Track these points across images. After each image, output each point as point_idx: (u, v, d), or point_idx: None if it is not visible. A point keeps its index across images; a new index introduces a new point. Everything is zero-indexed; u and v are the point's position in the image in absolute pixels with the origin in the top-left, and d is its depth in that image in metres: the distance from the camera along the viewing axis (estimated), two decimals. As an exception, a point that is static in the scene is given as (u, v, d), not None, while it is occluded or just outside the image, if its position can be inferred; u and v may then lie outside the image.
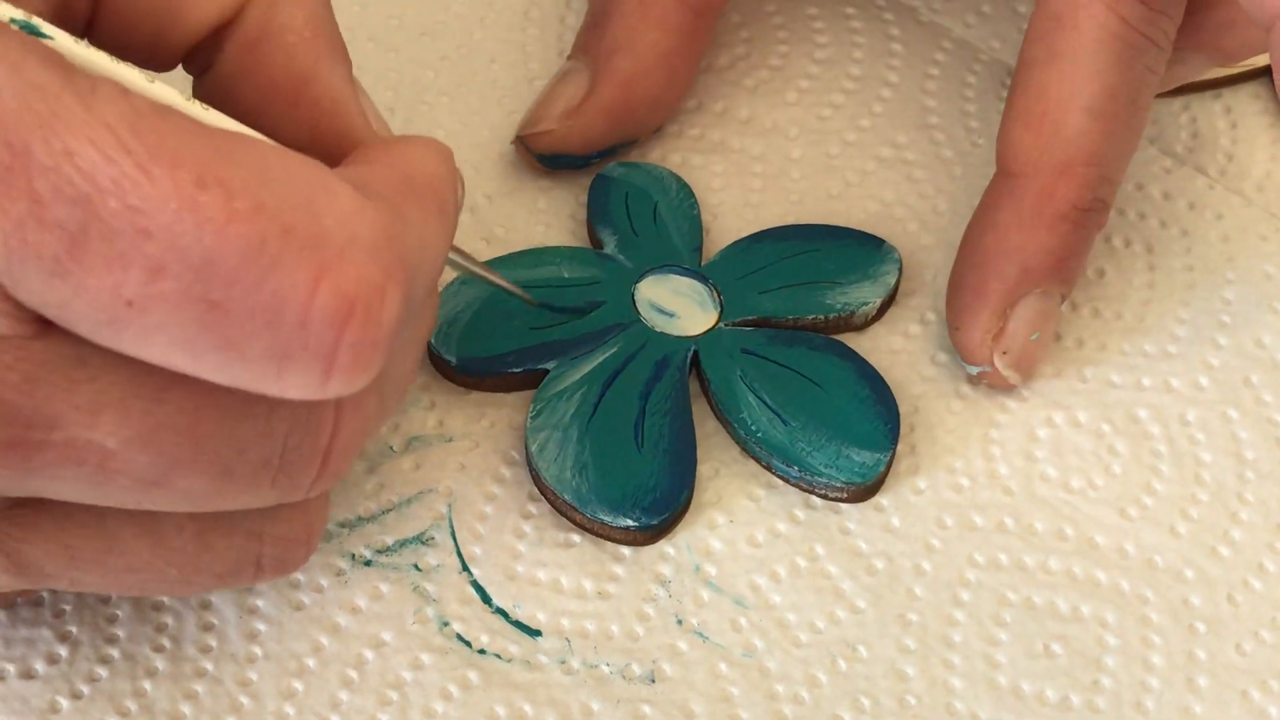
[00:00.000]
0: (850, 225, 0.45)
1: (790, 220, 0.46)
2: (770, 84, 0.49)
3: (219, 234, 0.28)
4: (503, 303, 0.42)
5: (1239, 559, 0.40)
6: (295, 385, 0.30)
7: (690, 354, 0.42)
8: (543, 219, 0.46)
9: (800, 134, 0.48)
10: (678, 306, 0.43)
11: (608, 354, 0.42)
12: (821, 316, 0.43)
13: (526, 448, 0.41)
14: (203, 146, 0.28)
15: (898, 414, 0.41)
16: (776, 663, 0.39)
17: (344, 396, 0.32)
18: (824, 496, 0.41)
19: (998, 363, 0.42)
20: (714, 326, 0.43)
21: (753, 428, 0.41)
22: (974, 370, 0.42)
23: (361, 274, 0.29)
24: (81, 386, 0.30)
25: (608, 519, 0.40)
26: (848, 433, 0.41)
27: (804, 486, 0.41)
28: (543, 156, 0.45)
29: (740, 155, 0.47)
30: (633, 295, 0.43)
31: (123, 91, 0.28)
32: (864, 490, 0.41)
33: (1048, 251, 0.41)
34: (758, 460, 0.41)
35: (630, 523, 0.39)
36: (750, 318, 0.43)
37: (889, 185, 0.47)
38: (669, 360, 0.42)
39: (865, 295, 0.43)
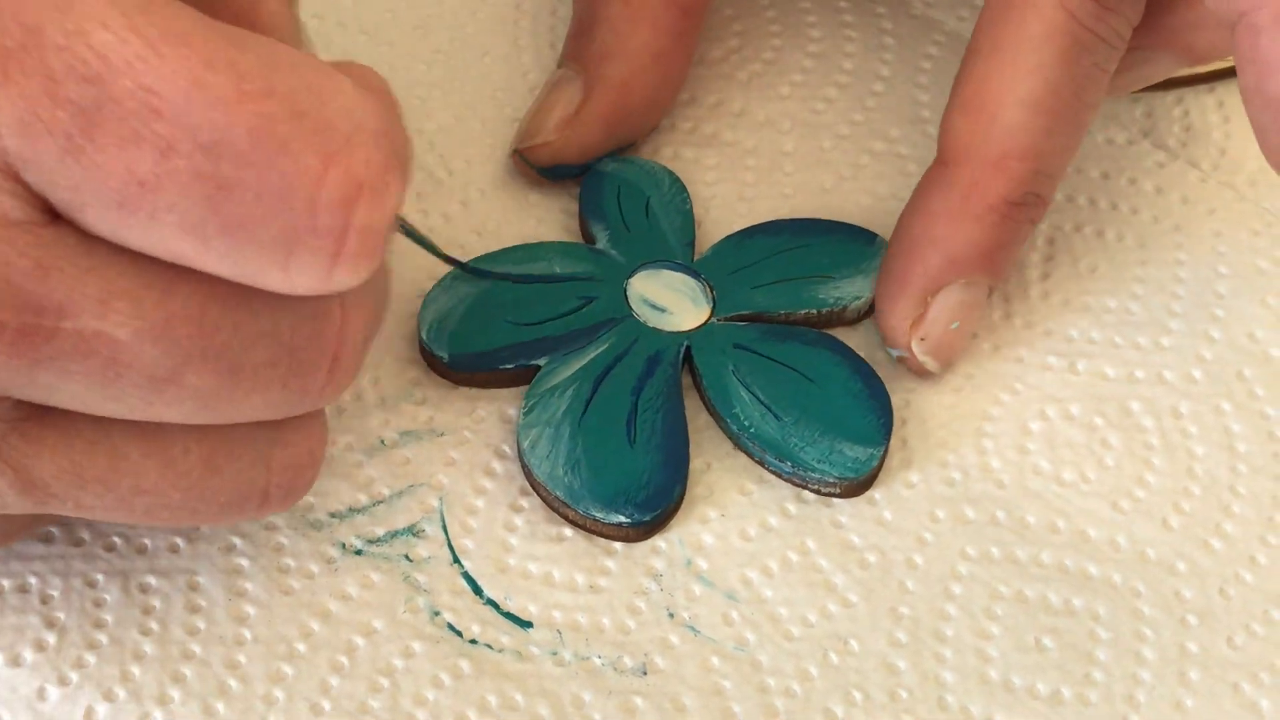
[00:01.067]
0: (843, 219, 0.45)
1: (783, 214, 0.46)
2: (763, 77, 0.49)
3: (229, 114, 0.28)
4: (495, 298, 0.42)
5: (1231, 552, 0.40)
6: (302, 273, 0.30)
7: (683, 349, 0.42)
8: (535, 214, 0.46)
9: (793, 128, 0.47)
10: (670, 302, 0.43)
11: (599, 350, 0.42)
12: (814, 311, 0.43)
13: (519, 444, 0.40)
14: (212, 32, 0.29)
15: (890, 408, 0.41)
16: (768, 656, 0.39)
17: (347, 293, 0.32)
18: (817, 492, 0.41)
19: (915, 349, 0.42)
20: (706, 321, 0.42)
21: (745, 423, 0.41)
22: (894, 354, 0.42)
23: (369, 158, 0.30)
24: (91, 275, 0.30)
25: (600, 515, 0.39)
26: (840, 427, 0.41)
27: (797, 482, 0.41)
28: (541, 168, 0.45)
29: (733, 149, 0.47)
30: (625, 291, 0.43)
31: None
32: (857, 485, 0.40)
33: (973, 243, 0.41)
34: (750, 455, 0.41)
35: (623, 519, 0.39)
36: (743, 313, 0.43)
37: (882, 179, 0.47)
38: (661, 356, 0.42)
39: (858, 290, 0.43)
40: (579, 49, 0.46)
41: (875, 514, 0.41)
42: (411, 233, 0.38)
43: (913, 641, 0.39)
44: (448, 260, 0.39)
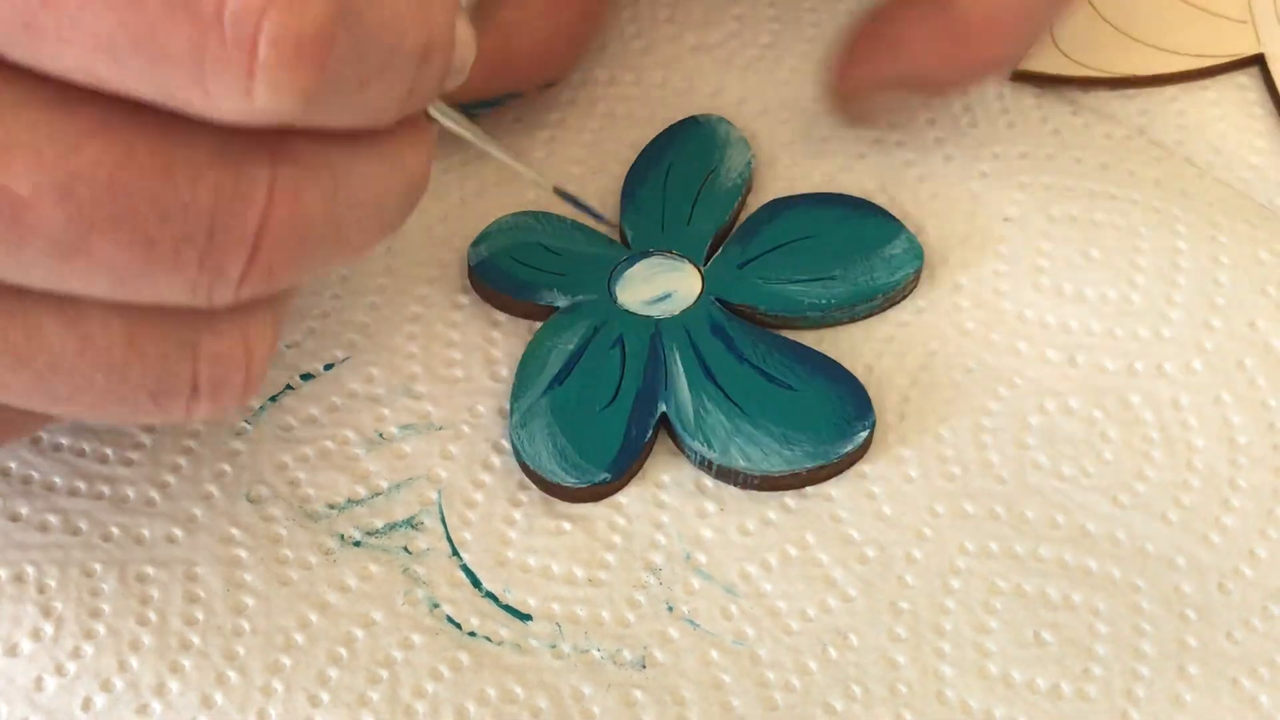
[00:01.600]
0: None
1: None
2: (762, 62, 0.48)
3: None
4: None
5: (1231, 546, 0.40)
6: (221, 92, 0.28)
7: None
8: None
9: (790, 117, 0.47)
10: (661, 287, 0.43)
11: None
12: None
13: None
14: None
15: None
16: (767, 650, 0.39)
17: (279, 175, 0.31)
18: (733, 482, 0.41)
19: (843, 110, 0.46)
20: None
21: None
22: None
23: None
24: None
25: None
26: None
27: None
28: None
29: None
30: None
31: None
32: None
33: (941, 81, 0.44)
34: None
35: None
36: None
37: (885, 169, 0.46)
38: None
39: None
40: None
41: (874, 508, 0.41)
42: (478, 143, 0.38)
43: (912, 636, 0.39)
44: (534, 180, 0.40)
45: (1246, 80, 0.48)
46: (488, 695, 0.38)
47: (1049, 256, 0.45)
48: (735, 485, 0.40)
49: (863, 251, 0.44)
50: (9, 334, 0.31)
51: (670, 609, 0.39)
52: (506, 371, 0.42)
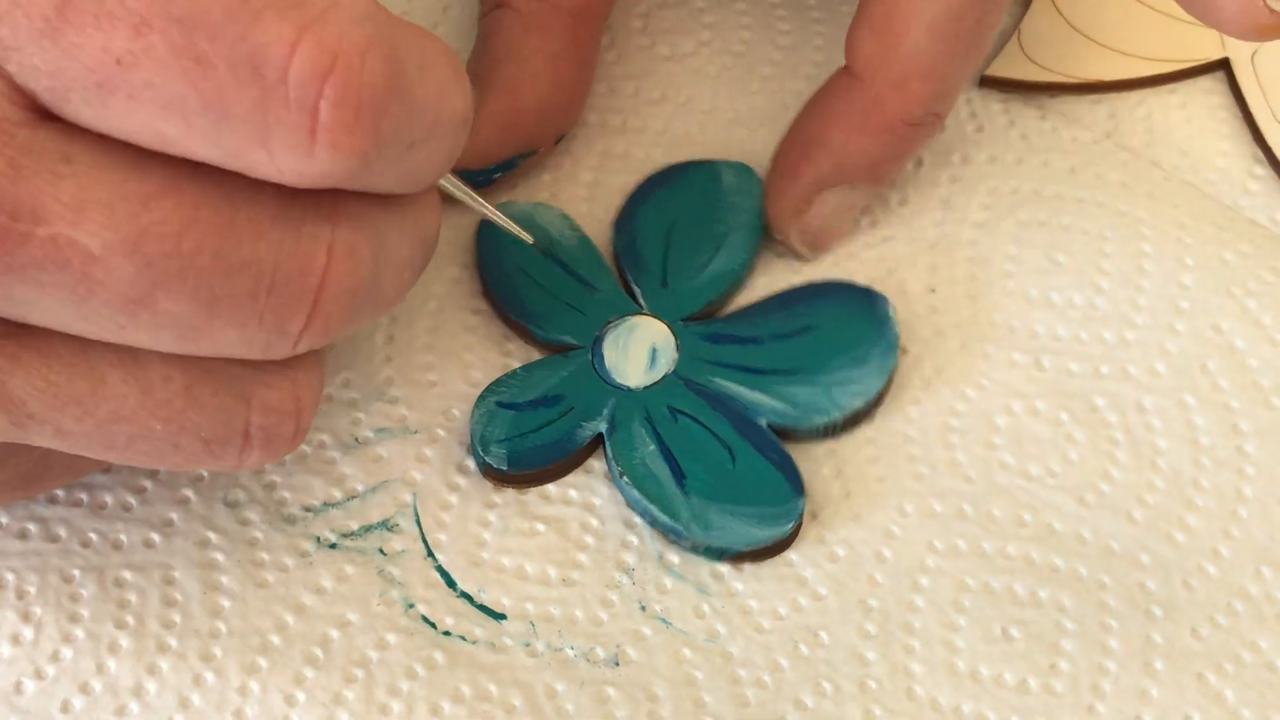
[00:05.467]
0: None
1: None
2: (732, 71, 0.49)
3: None
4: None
5: (1194, 545, 0.41)
6: (283, 153, 0.30)
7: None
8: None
9: (763, 125, 0.48)
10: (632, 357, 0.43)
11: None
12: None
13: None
14: None
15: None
16: (739, 648, 0.39)
17: (338, 236, 0.32)
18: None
19: (793, 238, 0.44)
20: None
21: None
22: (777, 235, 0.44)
23: (343, 33, 0.30)
24: (66, 181, 0.30)
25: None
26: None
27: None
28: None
29: (705, 148, 0.47)
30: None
31: None
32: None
33: (866, 155, 0.43)
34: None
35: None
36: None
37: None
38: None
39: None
40: (475, 63, 0.45)
41: (844, 508, 0.41)
42: (475, 205, 0.39)
43: (881, 633, 0.39)
44: (523, 239, 0.42)
45: (1212, 84, 0.49)
46: (462, 693, 0.38)
47: (1017, 261, 0.45)
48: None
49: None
50: (74, 384, 0.33)
51: (643, 608, 0.39)
52: (481, 376, 0.43)
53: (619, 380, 0.42)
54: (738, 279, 0.44)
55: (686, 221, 0.45)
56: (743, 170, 0.46)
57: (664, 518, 0.40)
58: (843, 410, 0.42)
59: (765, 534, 0.40)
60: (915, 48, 0.42)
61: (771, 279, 0.45)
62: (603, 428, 0.41)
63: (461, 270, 0.44)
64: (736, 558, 0.40)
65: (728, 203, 0.45)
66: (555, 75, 0.45)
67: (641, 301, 0.43)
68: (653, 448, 0.41)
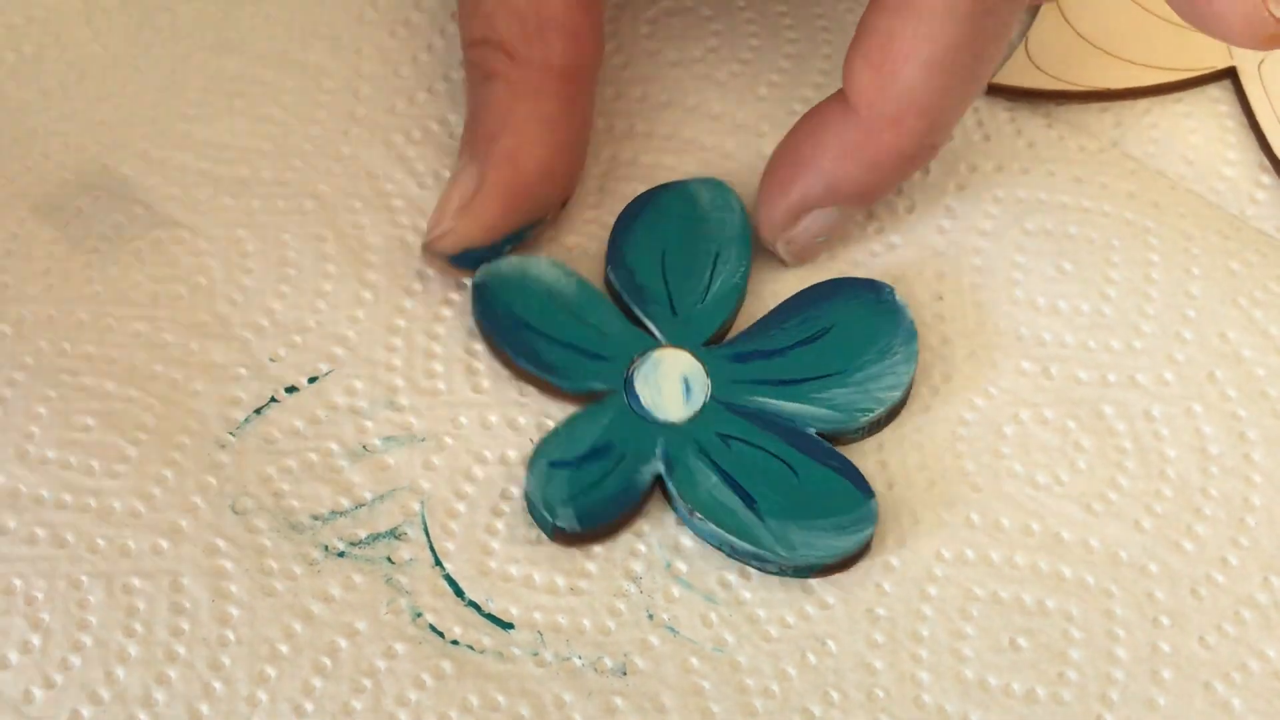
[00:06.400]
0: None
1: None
2: (740, 77, 0.49)
3: None
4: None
5: (1202, 553, 0.41)
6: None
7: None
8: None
9: (770, 130, 0.48)
10: (666, 391, 0.42)
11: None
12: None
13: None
14: None
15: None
16: (747, 657, 0.39)
17: None
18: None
19: (780, 249, 0.44)
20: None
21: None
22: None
23: None
24: None
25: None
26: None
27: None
28: (453, 257, 0.44)
29: (712, 153, 0.47)
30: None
31: None
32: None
33: (857, 184, 0.43)
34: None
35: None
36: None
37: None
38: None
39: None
40: (471, 137, 0.45)
41: (852, 516, 0.41)
42: None
43: (889, 642, 0.39)
44: None
45: (1219, 93, 0.49)
46: (470, 703, 0.38)
47: (1023, 270, 0.45)
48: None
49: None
50: None
51: (650, 616, 0.39)
52: (488, 383, 0.43)
53: (661, 417, 0.42)
54: (742, 293, 0.44)
55: (676, 246, 0.44)
56: (716, 185, 0.45)
57: (746, 545, 0.40)
58: (883, 404, 0.42)
59: (848, 542, 0.40)
60: (911, 84, 0.41)
61: (775, 285, 0.45)
62: (660, 468, 0.41)
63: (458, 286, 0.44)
64: (823, 570, 0.40)
65: (711, 220, 0.45)
66: (553, 140, 0.44)
67: (657, 334, 0.43)
68: (715, 479, 0.40)
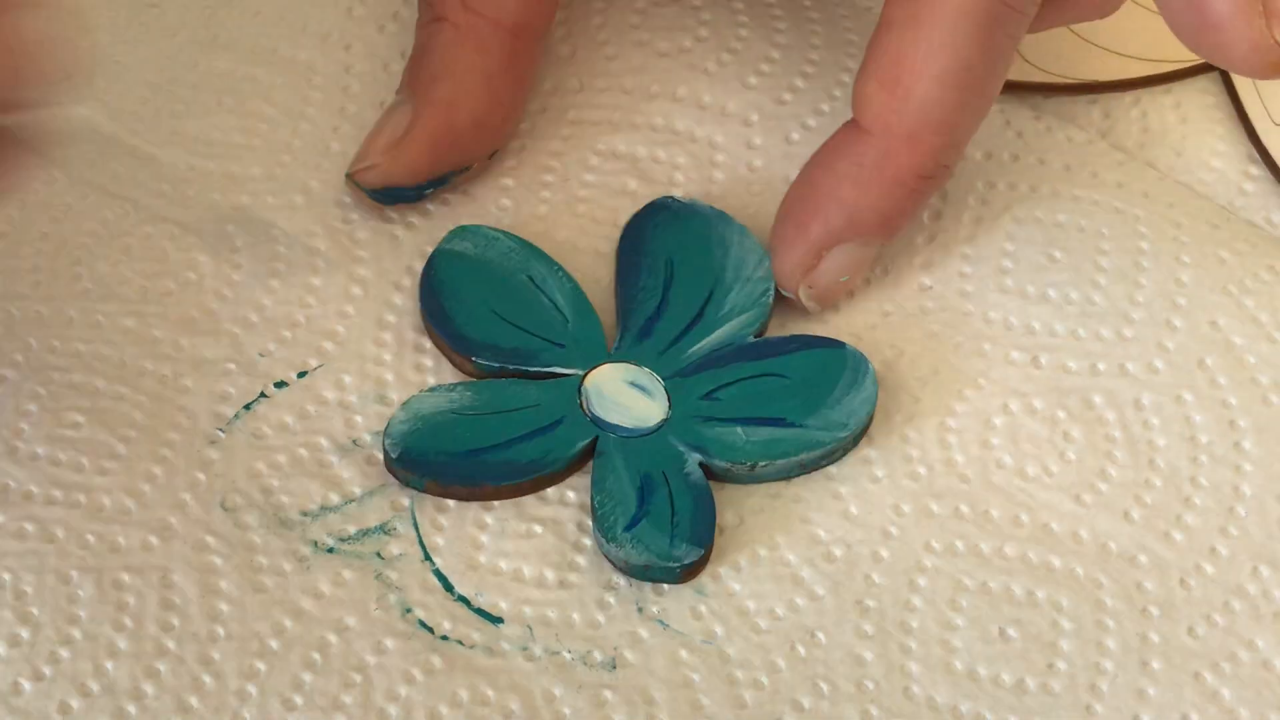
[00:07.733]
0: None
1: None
2: (730, 67, 0.49)
3: None
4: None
5: (1191, 544, 0.41)
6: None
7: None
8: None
9: (760, 119, 0.48)
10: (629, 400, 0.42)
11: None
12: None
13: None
14: None
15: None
16: (736, 649, 0.39)
17: None
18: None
19: (801, 294, 0.43)
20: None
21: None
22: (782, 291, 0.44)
23: None
24: None
25: None
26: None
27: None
28: (373, 191, 0.45)
29: (702, 144, 0.47)
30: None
31: None
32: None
33: (878, 210, 0.43)
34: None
35: None
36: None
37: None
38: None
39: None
40: (412, 76, 0.45)
41: (841, 508, 0.41)
42: None
43: (879, 633, 0.39)
44: None
45: (1207, 85, 0.49)
46: (460, 698, 0.38)
47: (1013, 258, 0.45)
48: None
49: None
50: None
51: (640, 610, 0.40)
52: (477, 377, 0.43)
53: (645, 427, 0.42)
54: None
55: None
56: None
57: (815, 452, 0.41)
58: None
59: (868, 389, 0.42)
60: (926, 100, 0.41)
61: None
62: (696, 458, 0.41)
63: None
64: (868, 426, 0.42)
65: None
66: (491, 93, 0.45)
67: (619, 343, 0.43)
68: (740, 430, 0.41)
